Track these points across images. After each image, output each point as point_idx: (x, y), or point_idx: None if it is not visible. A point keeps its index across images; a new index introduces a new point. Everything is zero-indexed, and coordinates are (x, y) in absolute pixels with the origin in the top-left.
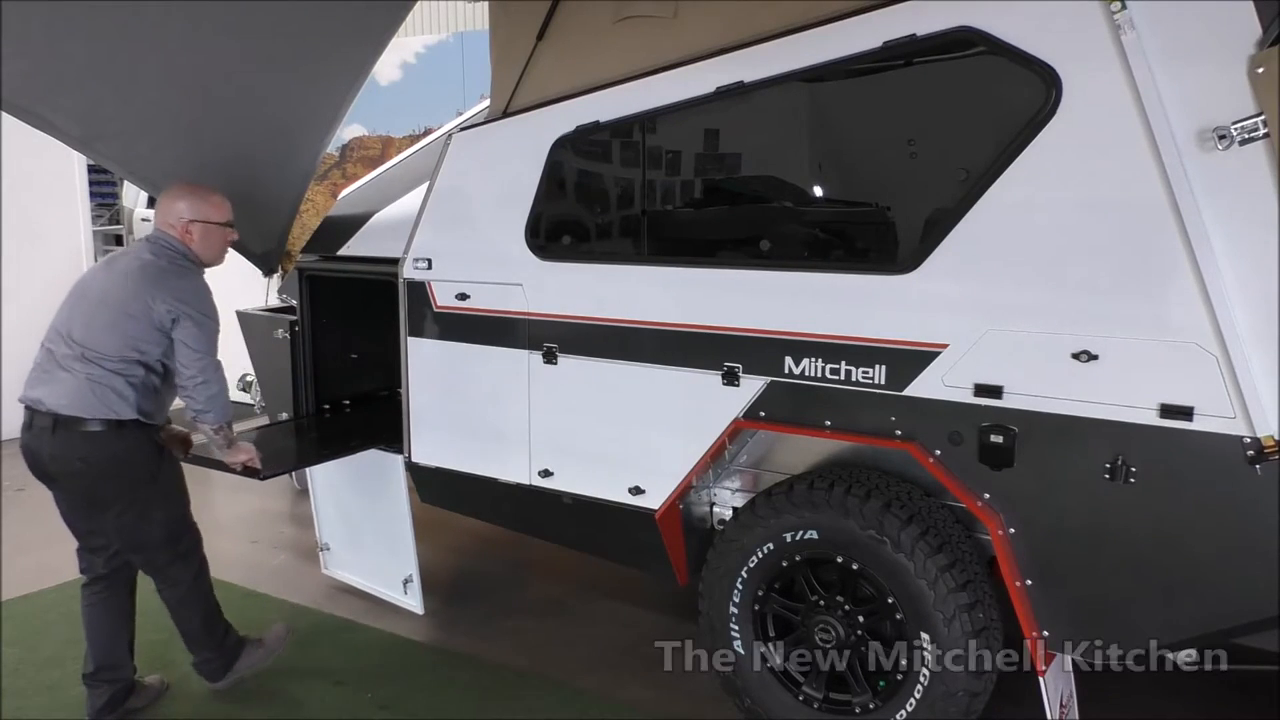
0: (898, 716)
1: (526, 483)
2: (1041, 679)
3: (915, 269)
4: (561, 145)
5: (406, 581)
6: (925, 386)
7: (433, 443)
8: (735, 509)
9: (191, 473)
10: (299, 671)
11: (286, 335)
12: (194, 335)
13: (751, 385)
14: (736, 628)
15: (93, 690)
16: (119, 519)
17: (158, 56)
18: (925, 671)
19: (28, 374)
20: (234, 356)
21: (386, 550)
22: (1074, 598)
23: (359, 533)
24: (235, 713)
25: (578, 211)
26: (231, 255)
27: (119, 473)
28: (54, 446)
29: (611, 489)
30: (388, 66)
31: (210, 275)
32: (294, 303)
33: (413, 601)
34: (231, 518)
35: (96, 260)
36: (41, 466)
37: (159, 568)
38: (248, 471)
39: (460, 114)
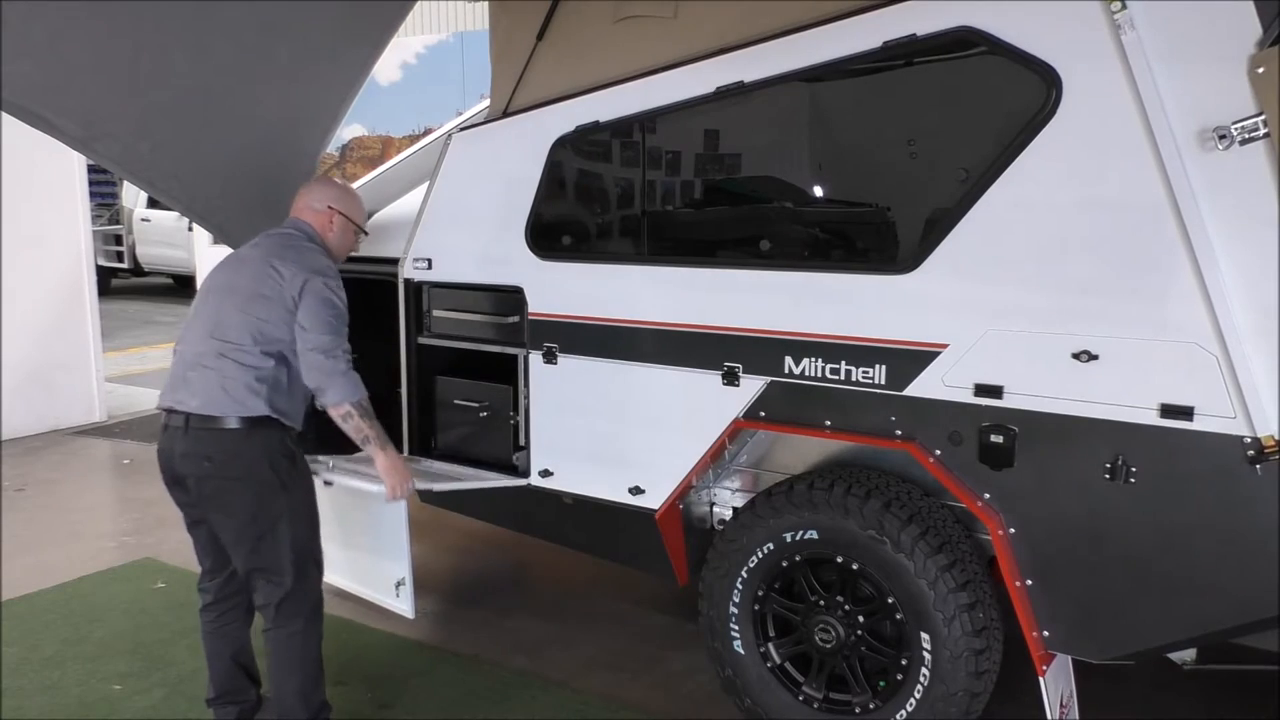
0: (898, 716)
1: (527, 483)
2: (1041, 679)
3: (915, 269)
4: (561, 145)
5: (399, 584)
6: (925, 386)
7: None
8: (735, 509)
9: None
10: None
11: None
12: (320, 313)
13: (751, 385)
14: (736, 628)
15: (220, 710)
16: (246, 529)
17: (158, 57)
18: (925, 671)
19: (165, 383)
20: None
21: (380, 553)
22: (1074, 598)
23: (352, 535)
24: None
25: (578, 211)
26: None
27: (248, 474)
28: (185, 445)
29: (611, 489)
30: (388, 66)
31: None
32: None
33: (404, 605)
34: None
35: (96, 261)
36: (172, 469)
37: (277, 597)
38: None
39: (460, 114)
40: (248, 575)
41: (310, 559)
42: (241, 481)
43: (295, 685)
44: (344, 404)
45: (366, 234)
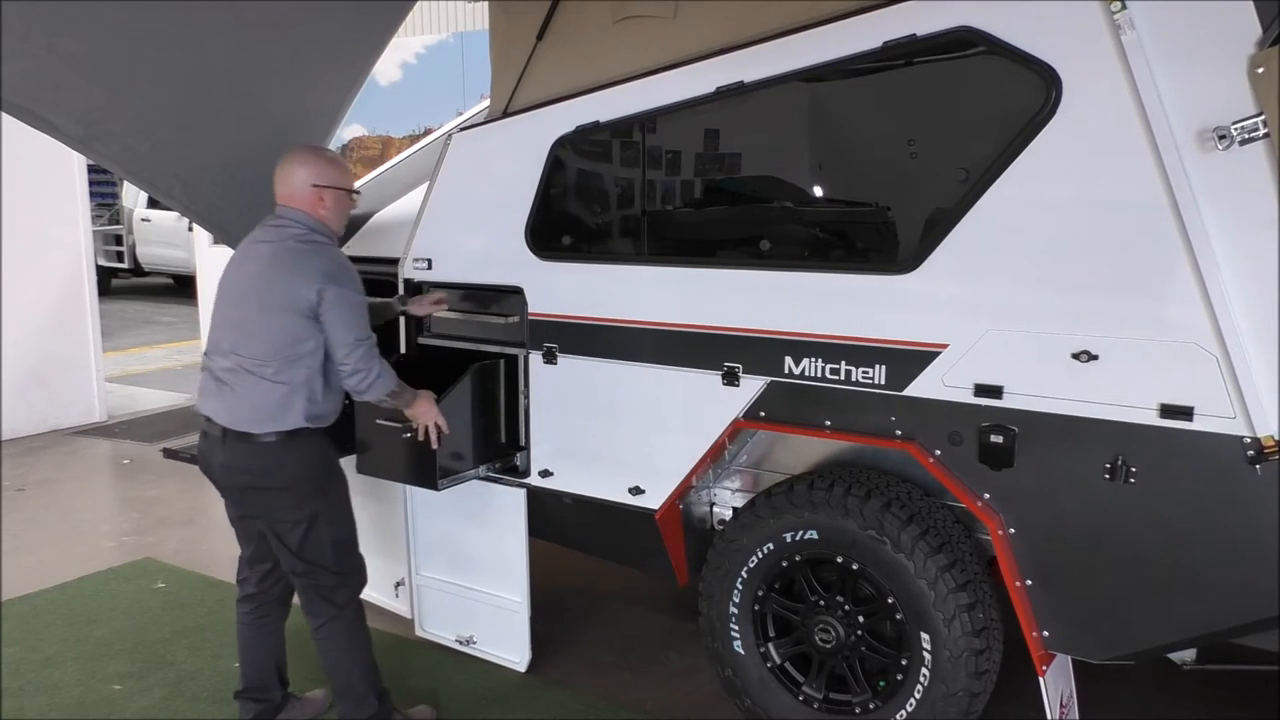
0: (898, 717)
1: (527, 483)
2: (1041, 679)
3: (915, 269)
4: (561, 145)
5: (398, 585)
6: (925, 386)
7: None
8: (735, 509)
9: (192, 472)
10: (299, 672)
11: None
12: (346, 318)
13: (751, 385)
14: (736, 628)
15: (242, 705)
16: (289, 533)
17: (158, 56)
18: (925, 671)
19: (199, 386)
20: None
21: (379, 552)
22: (1074, 598)
23: None
24: (236, 713)
25: (578, 211)
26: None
27: (287, 485)
28: (223, 456)
29: (611, 489)
30: (388, 66)
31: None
32: None
33: (403, 605)
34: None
35: (96, 261)
36: (212, 475)
37: (323, 594)
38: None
39: (460, 114)
40: (295, 573)
41: (352, 551)
42: (281, 491)
43: (360, 673)
44: (383, 395)
45: (358, 193)
